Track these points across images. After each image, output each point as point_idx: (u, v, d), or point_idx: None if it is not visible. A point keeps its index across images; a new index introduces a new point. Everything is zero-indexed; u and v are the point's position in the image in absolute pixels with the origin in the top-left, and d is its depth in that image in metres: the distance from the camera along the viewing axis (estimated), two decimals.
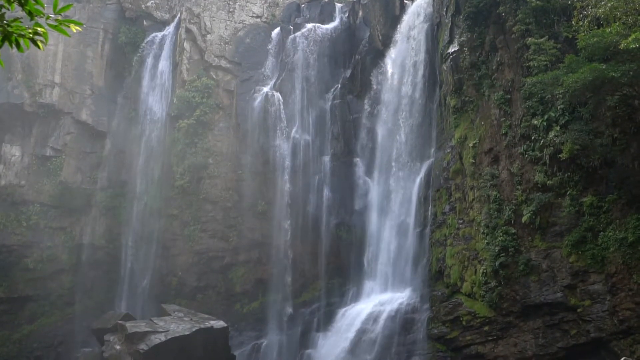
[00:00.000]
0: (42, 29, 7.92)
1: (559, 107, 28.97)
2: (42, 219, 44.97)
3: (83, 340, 42.49)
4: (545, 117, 29.44)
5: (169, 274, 44.36)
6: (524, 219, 29.81)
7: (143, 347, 34.60)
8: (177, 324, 36.19)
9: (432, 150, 37.30)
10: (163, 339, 34.94)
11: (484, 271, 30.87)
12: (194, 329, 35.66)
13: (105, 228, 45.60)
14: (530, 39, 30.02)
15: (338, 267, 40.66)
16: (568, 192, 28.93)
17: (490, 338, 31.15)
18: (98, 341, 38.89)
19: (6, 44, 7.91)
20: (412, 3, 41.50)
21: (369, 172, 40.60)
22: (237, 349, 39.59)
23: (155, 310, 40.47)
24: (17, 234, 44.48)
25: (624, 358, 21.02)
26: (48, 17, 7.96)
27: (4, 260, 43.77)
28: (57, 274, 44.94)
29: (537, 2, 29.88)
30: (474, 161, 32.64)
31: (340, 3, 47.30)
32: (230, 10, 46.97)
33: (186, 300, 43.14)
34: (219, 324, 36.92)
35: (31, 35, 7.87)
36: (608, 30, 25.24)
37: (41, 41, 7.94)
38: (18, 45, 7.84)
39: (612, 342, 27.53)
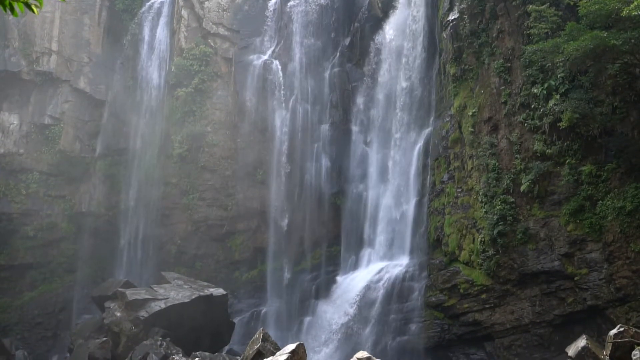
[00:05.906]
0: None
1: (559, 75, 28.83)
2: (41, 187, 44.95)
3: (83, 307, 42.83)
4: (545, 85, 29.32)
5: (168, 242, 44.52)
6: (522, 187, 29.86)
7: (143, 314, 34.92)
8: (176, 292, 36.46)
9: (431, 118, 37.14)
10: (163, 306, 35.24)
11: (482, 240, 31.00)
12: (193, 297, 35.93)
13: (104, 196, 45.61)
14: (531, 6, 29.76)
15: (337, 236, 40.78)
16: (567, 161, 28.94)
17: (487, 306, 31.40)
18: (98, 308, 39.20)
19: (1, 10, 7.82)
20: None
21: (367, 140, 40.48)
22: (236, 316, 39.95)
23: (155, 278, 40.72)
24: (16, 202, 44.50)
25: (619, 325, 21.20)
26: None
27: (4, 228, 43.87)
28: (57, 242, 45.09)
29: None
30: (473, 130, 32.56)
31: None
32: None
33: (185, 268, 43.34)
34: (218, 291, 37.17)
35: None
36: None
37: (35, 5, 7.86)
38: (12, 10, 7.75)
39: (608, 310, 27.82)
